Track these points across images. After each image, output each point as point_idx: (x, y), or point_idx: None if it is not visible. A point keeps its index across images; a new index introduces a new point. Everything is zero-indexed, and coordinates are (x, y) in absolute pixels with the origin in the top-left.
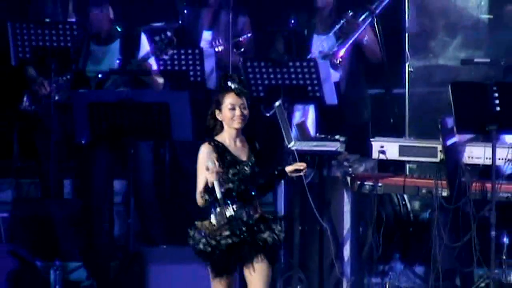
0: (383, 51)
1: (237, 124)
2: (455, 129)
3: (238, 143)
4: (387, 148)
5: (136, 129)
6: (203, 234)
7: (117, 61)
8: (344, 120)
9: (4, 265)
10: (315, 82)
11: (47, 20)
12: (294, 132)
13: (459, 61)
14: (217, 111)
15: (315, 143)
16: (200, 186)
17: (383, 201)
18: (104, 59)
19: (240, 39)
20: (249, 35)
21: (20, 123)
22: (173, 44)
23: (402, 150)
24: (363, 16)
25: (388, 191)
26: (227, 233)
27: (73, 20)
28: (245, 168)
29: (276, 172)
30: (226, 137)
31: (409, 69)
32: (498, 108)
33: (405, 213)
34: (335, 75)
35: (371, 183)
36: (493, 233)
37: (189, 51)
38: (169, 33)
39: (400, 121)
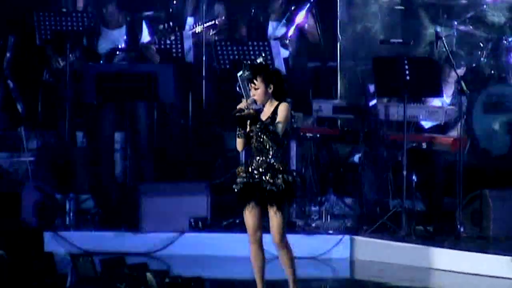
0: (320, 34)
1: (257, 100)
2: (375, 94)
3: (265, 109)
4: (323, 107)
5: (131, 93)
6: (237, 177)
7: (123, 42)
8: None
9: (31, 197)
10: (268, 57)
11: (64, 10)
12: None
13: (378, 41)
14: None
15: None
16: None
17: (320, 148)
18: (114, 40)
19: (216, 22)
20: (223, 18)
21: (43, 89)
22: (174, 32)
23: (335, 109)
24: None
25: (324, 140)
26: (244, 174)
27: (81, 8)
28: (261, 126)
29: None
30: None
31: (340, 47)
32: (408, 78)
33: (337, 157)
34: (285, 53)
35: (311, 134)
36: (404, 172)
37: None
38: (171, 23)
39: (334, 87)
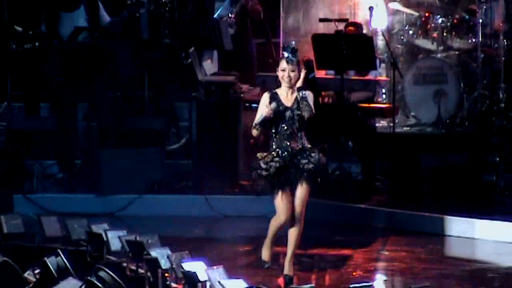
0: (263, 14)
1: (285, 83)
2: (315, 66)
3: (289, 95)
4: (267, 79)
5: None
6: (258, 161)
7: (86, 21)
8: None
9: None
10: (217, 34)
11: None
12: (203, 69)
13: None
14: (277, 70)
15: (217, 76)
16: (255, 121)
17: None
18: (74, 21)
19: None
20: None
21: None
22: (143, 6)
23: (279, 81)
24: None
25: None
26: (276, 159)
27: None
28: (287, 112)
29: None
30: (283, 89)
31: (283, 26)
32: (344, 52)
33: None
34: (231, 31)
35: (256, 104)
36: (342, 138)
37: None
38: None
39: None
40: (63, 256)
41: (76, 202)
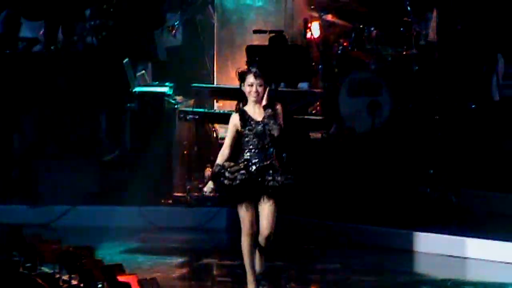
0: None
1: (252, 97)
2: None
3: (257, 109)
4: (202, 90)
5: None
6: (224, 170)
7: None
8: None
9: None
10: (152, 45)
11: None
12: (137, 80)
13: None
14: (242, 85)
15: (152, 88)
16: (224, 145)
17: (199, 126)
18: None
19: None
20: None
21: None
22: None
23: (213, 92)
24: None
25: (203, 120)
26: (242, 171)
27: None
28: (258, 126)
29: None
30: (250, 104)
31: (218, 38)
32: (279, 63)
33: (215, 135)
34: (174, 41)
35: (191, 115)
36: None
37: None
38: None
39: (211, 72)
40: None
41: (10, 213)
